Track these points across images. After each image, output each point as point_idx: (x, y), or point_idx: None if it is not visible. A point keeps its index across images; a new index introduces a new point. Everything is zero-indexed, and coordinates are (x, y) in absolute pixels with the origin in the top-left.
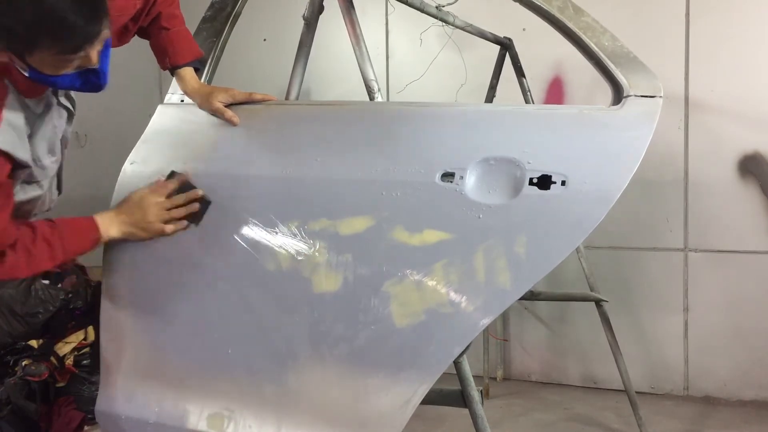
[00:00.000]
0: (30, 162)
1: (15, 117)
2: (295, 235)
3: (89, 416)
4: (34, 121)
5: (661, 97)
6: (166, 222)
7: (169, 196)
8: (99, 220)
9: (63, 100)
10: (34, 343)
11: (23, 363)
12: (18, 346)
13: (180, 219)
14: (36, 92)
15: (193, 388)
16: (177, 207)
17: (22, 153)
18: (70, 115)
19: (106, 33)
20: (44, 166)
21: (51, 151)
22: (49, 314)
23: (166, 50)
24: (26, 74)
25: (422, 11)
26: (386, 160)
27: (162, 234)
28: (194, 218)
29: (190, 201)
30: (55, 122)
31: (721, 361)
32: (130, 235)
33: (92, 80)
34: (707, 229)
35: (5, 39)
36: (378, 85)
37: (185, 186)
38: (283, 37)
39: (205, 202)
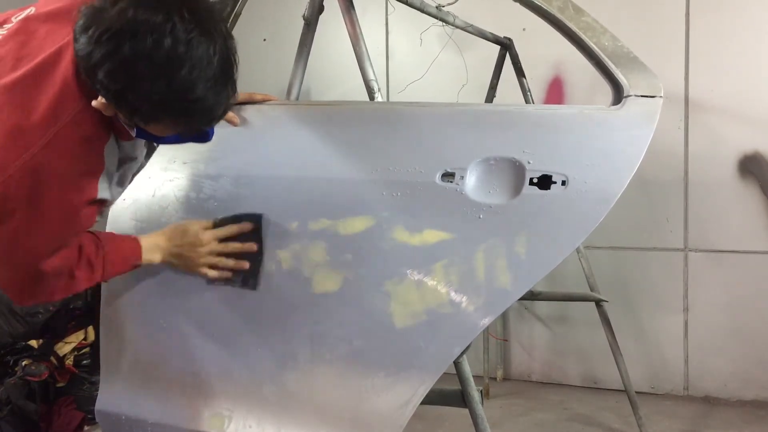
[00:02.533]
0: (111, 199)
1: (111, 163)
2: (295, 235)
3: (89, 416)
4: (123, 161)
5: (661, 97)
6: (212, 266)
7: (224, 240)
8: (144, 245)
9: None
10: (34, 343)
11: (23, 363)
12: (18, 346)
13: (226, 269)
14: (132, 136)
15: (193, 388)
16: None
17: (107, 194)
18: (150, 152)
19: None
20: (114, 199)
21: (122, 184)
22: (49, 314)
23: None
24: (132, 133)
25: (422, 11)
26: (386, 160)
27: (202, 275)
28: (241, 277)
29: (242, 251)
30: (139, 158)
31: (721, 361)
32: (171, 264)
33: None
34: (707, 229)
35: (127, 114)
36: (378, 85)
37: (247, 234)
38: (283, 37)
39: (256, 261)
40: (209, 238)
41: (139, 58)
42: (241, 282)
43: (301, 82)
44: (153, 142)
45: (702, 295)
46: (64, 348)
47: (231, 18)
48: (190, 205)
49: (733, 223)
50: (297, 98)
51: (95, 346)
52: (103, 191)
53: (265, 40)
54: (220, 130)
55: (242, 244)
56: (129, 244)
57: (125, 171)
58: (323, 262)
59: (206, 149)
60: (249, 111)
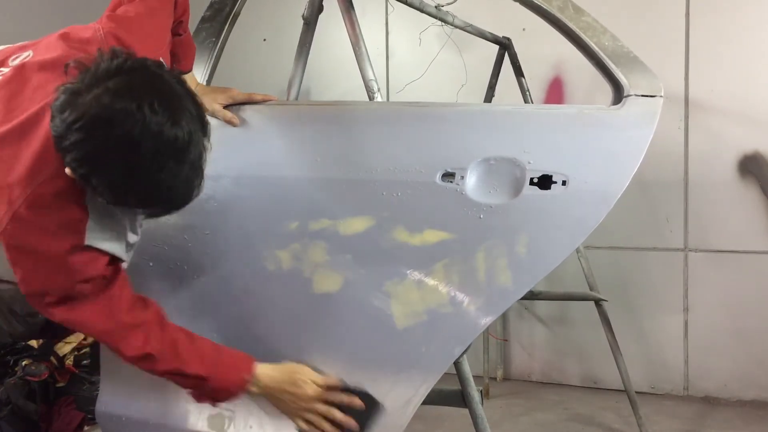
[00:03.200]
0: (124, 256)
1: (102, 214)
2: (295, 235)
3: (89, 416)
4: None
5: (661, 96)
6: (305, 420)
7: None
8: (255, 370)
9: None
10: (34, 343)
11: (23, 363)
12: (18, 346)
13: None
14: None
15: None
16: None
17: (117, 249)
18: None
19: None
20: (132, 247)
21: (134, 231)
22: None
23: (176, 55)
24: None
25: (422, 11)
26: (386, 160)
27: (296, 425)
28: None
29: (341, 423)
30: None
31: (721, 361)
32: (269, 398)
33: None
34: (707, 229)
35: (93, 193)
36: (378, 85)
37: (353, 410)
38: (283, 37)
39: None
40: (314, 392)
41: (107, 149)
42: None
43: (301, 82)
44: None
45: (702, 295)
46: (64, 348)
47: (230, 18)
48: (191, 205)
49: (733, 223)
50: (296, 98)
51: (95, 346)
52: (103, 244)
53: (265, 40)
54: (221, 130)
55: (344, 416)
56: (240, 365)
57: (135, 220)
58: (323, 262)
59: None
60: (249, 111)
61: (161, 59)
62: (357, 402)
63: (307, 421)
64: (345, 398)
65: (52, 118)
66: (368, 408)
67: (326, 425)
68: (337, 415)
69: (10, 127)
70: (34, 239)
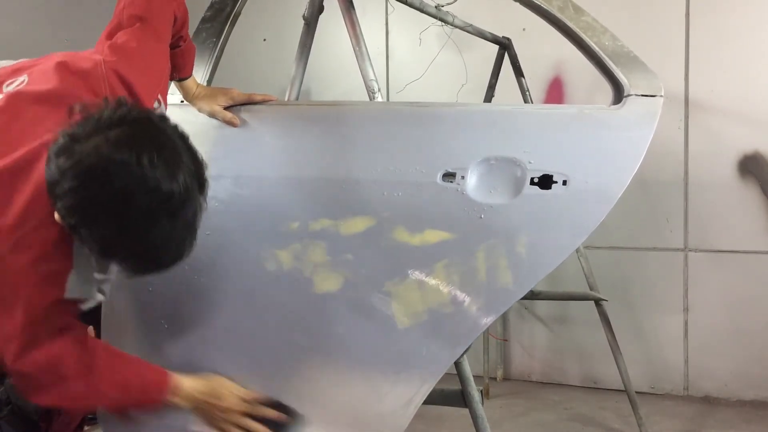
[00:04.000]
0: (98, 297)
1: (86, 263)
2: (296, 235)
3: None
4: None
5: (661, 96)
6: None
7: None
8: (174, 385)
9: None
10: None
11: None
12: None
13: None
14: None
15: None
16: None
17: (90, 293)
18: None
19: None
20: (109, 283)
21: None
22: None
23: (176, 64)
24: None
25: (422, 11)
26: (387, 160)
27: None
28: None
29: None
30: None
31: (721, 361)
32: (193, 408)
33: None
34: (707, 229)
35: (80, 242)
36: (378, 85)
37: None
38: (283, 37)
39: None
40: (235, 406)
41: (100, 201)
42: None
43: (301, 82)
44: None
45: (702, 295)
46: None
47: (231, 18)
48: None
49: (733, 223)
50: (297, 98)
51: None
52: (74, 290)
53: (265, 40)
54: (221, 130)
55: (264, 429)
56: (158, 385)
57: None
58: (323, 262)
59: (206, 150)
60: (249, 112)
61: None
62: (277, 414)
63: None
64: (267, 411)
65: (48, 161)
66: (289, 420)
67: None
68: (258, 428)
69: (3, 165)
70: (9, 288)
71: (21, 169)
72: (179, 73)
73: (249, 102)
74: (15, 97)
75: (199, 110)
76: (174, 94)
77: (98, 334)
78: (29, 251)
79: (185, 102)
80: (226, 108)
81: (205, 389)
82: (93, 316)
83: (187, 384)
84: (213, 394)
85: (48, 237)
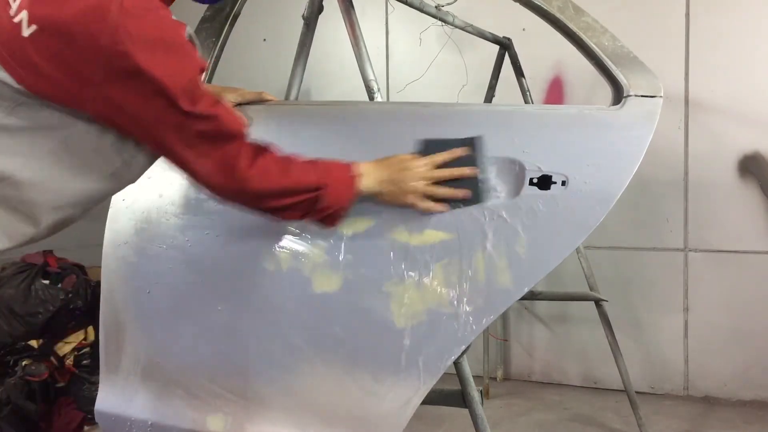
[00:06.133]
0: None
1: None
2: (295, 235)
3: (89, 416)
4: None
5: (661, 97)
6: (427, 195)
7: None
8: (357, 168)
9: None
10: (34, 343)
11: (23, 363)
12: (18, 346)
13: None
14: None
15: (193, 388)
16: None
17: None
18: None
19: None
20: None
21: None
22: (49, 314)
23: None
24: None
25: (422, 11)
26: None
27: (413, 207)
28: (458, 203)
29: (458, 176)
30: None
31: (721, 361)
32: (381, 195)
33: None
34: (707, 229)
35: None
36: (378, 85)
37: (462, 160)
38: (283, 37)
39: (474, 183)
40: (422, 163)
41: None
42: (463, 203)
43: (301, 82)
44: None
45: (702, 295)
46: (64, 348)
47: (231, 18)
48: (190, 205)
49: (733, 223)
50: (296, 98)
51: (95, 346)
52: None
53: (265, 40)
54: None
55: (460, 169)
56: (340, 162)
57: None
58: (323, 262)
59: None
60: (249, 111)
61: None
62: (459, 152)
63: (428, 196)
64: (447, 155)
65: None
66: (470, 150)
67: (441, 191)
68: (451, 171)
69: None
70: (158, 28)
71: None
72: None
73: (259, 100)
74: None
75: None
76: None
77: (97, 334)
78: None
79: None
80: (235, 106)
81: (382, 162)
82: (91, 316)
83: (364, 166)
84: (394, 164)
85: None
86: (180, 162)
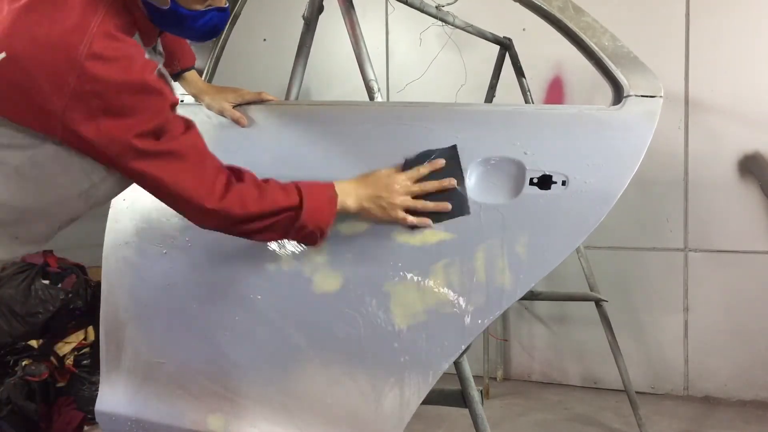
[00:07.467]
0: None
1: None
2: None
3: (89, 416)
4: None
5: (661, 97)
6: (410, 211)
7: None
8: (337, 188)
9: (159, 49)
10: (34, 343)
11: (23, 363)
12: (18, 346)
13: (425, 214)
14: (150, 41)
15: (193, 388)
16: (426, 196)
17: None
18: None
19: None
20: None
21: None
22: (49, 314)
23: (174, 53)
24: (166, 7)
25: (422, 11)
26: (387, 159)
27: (402, 223)
28: (443, 216)
29: (441, 190)
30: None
31: (721, 361)
32: (366, 211)
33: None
34: (707, 229)
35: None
36: (378, 85)
37: (441, 172)
38: (283, 37)
39: (459, 197)
40: (404, 178)
41: None
42: (451, 214)
43: (301, 82)
44: (176, 26)
45: (702, 295)
46: (64, 348)
47: (231, 18)
48: None
49: (733, 223)
50: (297, 98)
51: (95, 346)
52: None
53: (265, 40)
54: (220, 131)
55: (440, 182)
56: (322, 184)
57: None
58: (323, 262)
59: None
60: (249, 111)
61: None
62: (439, 163)
63: (412, 211)
64: (427, 168)
65: None
66: (450, 158)
67: (429, 204)
68: (433, 184)
69: None
70: (125, 72)
71: None
72: (182, 62)
73: (258, 101)
74: None
75: (208, 106)
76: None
77: (97, 334)
78: (111, 36)
79: (184, 100)
80: (235, 107)
81: (364, 180)
82: (91, 316)
83: (347, 182)
84: (377, 181)
85: (117, 24)
86: (152, 191)
